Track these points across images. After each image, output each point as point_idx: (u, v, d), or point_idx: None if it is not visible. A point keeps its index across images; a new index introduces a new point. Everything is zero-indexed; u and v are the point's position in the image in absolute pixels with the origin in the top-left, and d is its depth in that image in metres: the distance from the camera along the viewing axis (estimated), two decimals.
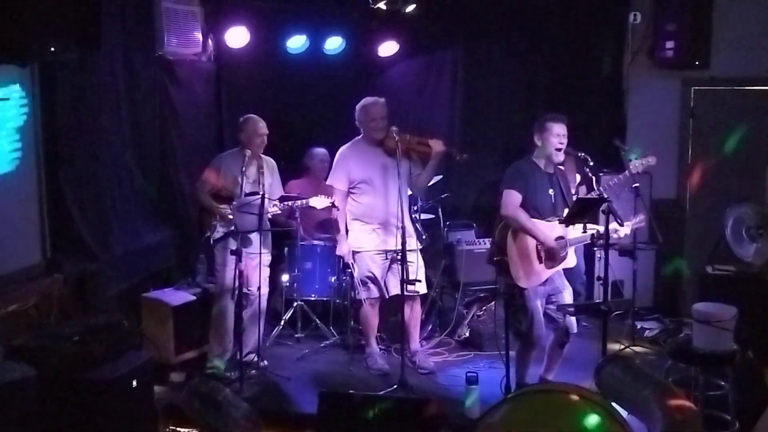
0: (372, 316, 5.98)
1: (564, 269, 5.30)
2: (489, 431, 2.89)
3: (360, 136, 5.90)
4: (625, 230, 5.23)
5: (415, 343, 6.02)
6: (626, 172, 5.56)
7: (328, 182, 5.99)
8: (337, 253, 6.04)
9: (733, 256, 6.10)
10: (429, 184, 6.05)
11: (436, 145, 5.66)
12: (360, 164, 5.83)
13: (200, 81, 7.01)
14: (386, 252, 5.82)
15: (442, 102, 7.82)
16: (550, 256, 5.11)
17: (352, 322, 6.33)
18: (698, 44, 7.06)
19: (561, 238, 5.15)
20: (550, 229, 5.11)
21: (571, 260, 5.27)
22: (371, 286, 5.87)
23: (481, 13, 7.53)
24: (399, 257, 5.46)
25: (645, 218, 5.76)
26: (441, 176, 6.53)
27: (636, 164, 5.65)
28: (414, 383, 5.53)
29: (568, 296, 5.29)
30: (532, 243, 5.08)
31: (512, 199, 5.06)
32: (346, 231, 5.91)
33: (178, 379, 5.62)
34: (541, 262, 5.10)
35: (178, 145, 6.64)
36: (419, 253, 5.87)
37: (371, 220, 5.82)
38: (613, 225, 4.87)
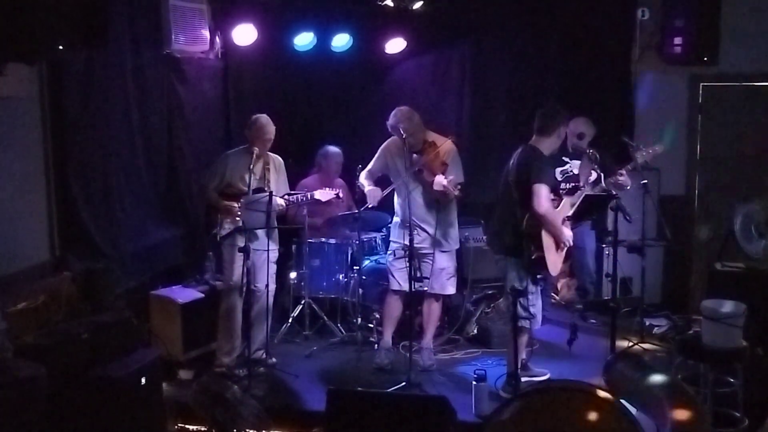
0: (390, 306, 6.01)
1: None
2: (499, 429, 2.89)
3: None
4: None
5: (424, 339, 6.01)
6: (632, 163, 5.53)
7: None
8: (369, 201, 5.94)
9: (742, 252, 6.07)
10: None
11: (438, 182, 5.61)
12: (392, 162, 5.91)
13: (208, 79, 7.00)
14: (407, 247, 5.85)
15: (450, 99, 7.81)
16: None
17: (359, 320, 6.33)
18: (706, 40, 7.03)
19: (568, 218, 5.21)
20: (560, 218, 5.15)
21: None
22: (390, 276, 5.96)
23: (488, 10, 7.51)
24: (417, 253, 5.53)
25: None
26: None
27: (643, 153, 5.62)
28: (422, 381, 5.53)
29: None
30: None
31: (546, 194, 4.99)
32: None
33: (187, 376, 5.63)
34: (558, 250, 5.17)
35: (185, 142, 6.64)
36: (444, 254, 5.88)
37: (399, 216, 5.93)
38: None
